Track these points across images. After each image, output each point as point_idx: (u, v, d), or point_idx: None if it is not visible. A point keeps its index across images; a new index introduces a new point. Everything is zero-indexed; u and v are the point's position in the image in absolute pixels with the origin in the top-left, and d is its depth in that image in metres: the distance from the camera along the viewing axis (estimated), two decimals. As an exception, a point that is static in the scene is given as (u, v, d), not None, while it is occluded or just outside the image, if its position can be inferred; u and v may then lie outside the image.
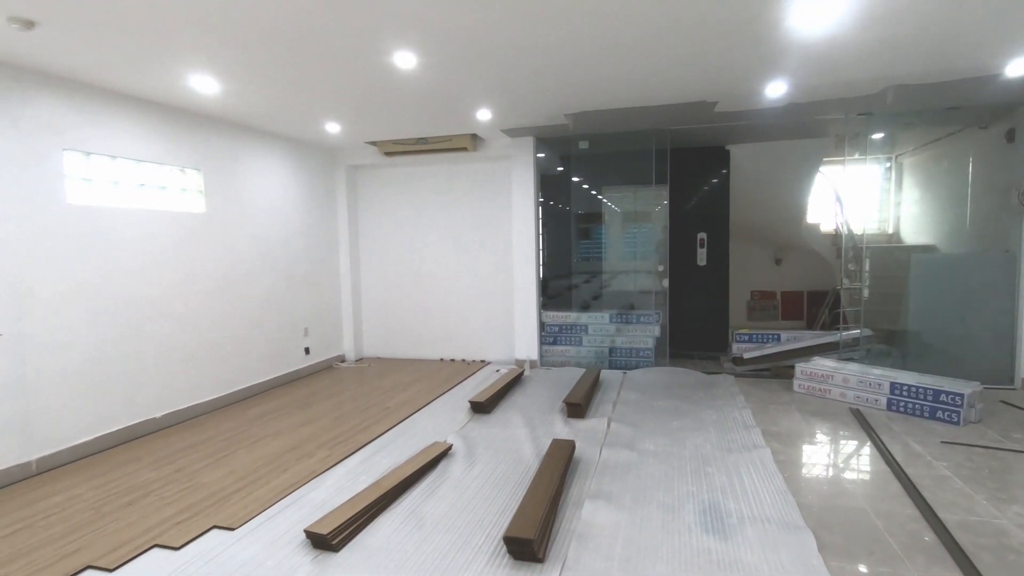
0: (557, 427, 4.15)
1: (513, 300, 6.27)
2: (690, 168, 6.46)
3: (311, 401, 5.09)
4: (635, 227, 6.93)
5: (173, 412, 4.47)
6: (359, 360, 6.89)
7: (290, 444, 3.95)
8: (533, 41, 3.20)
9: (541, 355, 6.21)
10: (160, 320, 4.38)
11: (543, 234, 6.31)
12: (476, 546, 2.56)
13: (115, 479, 3.42)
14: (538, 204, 6.09)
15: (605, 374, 5.73)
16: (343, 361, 6.79)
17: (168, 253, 4.46)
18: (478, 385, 5.42)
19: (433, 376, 5.92)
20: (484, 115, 4.94)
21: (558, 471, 3.10)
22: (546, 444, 3.73)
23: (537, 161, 6.03)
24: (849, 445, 3.75)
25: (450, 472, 3.38)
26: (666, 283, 6.05)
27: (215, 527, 2.78)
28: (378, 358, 6.96)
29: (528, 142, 5.91)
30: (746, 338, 5.86)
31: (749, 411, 4.36)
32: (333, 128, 5.36)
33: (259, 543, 2.62)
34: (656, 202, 6.27)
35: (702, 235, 6.59)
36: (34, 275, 3.53)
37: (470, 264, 6.63)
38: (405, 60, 3.44)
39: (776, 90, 4.24)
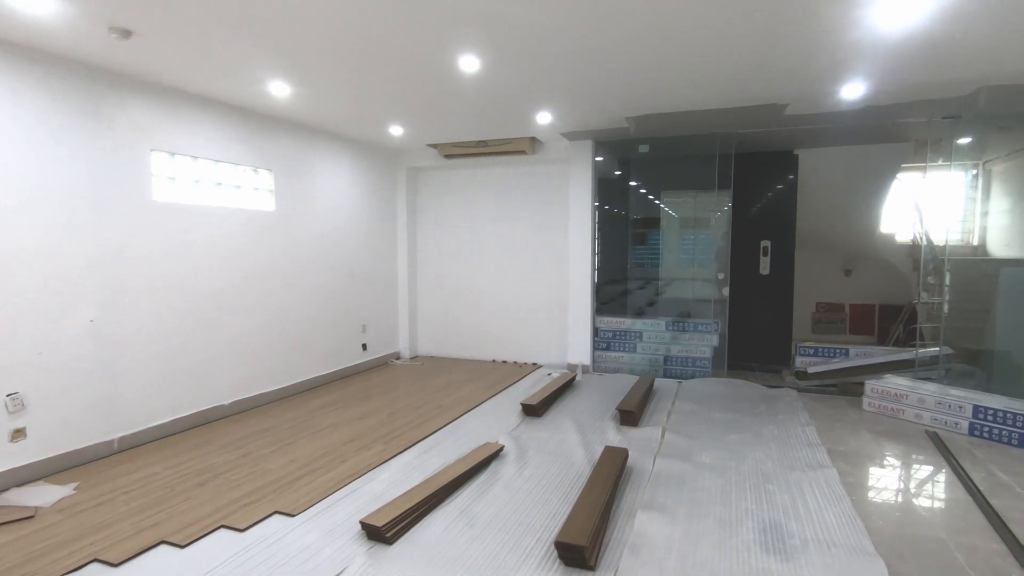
0: (609, 434, 4.09)
1: (567, 304, 6.24)
2: (754, 173, 6.24)
3: (368, 396, 5.23)
4: (694, 233, 6.76)
5: (240, 400, 4.70)
6: (414, 358, 7.03)
7: (348, 436, 4.07)
8: (597, 43, 3.18)
9: (594, 360, 6.15)
10: (231, 312, 4.62)
11: (598, 238, 6.25)
12: (527, 549, 2.56)
13: (187, 461, 3.62)
14: (595, 208, 6.04)
15: (659, 382, 5.60)
16: (398, 358, 6.94)
17: (240, 249, 4.69)
18: (530, 388, 5.42)
19: (485, 377, 5.96)
20: (544, 118, 4.94)
21: (610, 479, 3.05)
22: (598, 450, 3.68)
23: (595, 164, 5.98)
24: (925, 470, 3.51)
25: (501, 473, 3.39)
26: (726, 291, 5.86)
27: (277, 512, 2.90)
28: (432, 357, 7.08)
29: (587, 145, 5.87)
30: (811, 351, 5.59)
31: (813, 428, 4.16)
32: (396, 131, 5.50)
33: (317, 531, 2.72)
34: (717, 208, 6.09)
35: (766, 243, 6.35)
36: (123, 266, 3.79)
37: (525, 266, 6.64)
38: (469, 64, 3.49)
39: (853, 92, 4.04)
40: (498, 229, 6.75)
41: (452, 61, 3.46)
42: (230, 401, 4.60)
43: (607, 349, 6.17)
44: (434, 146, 6.30)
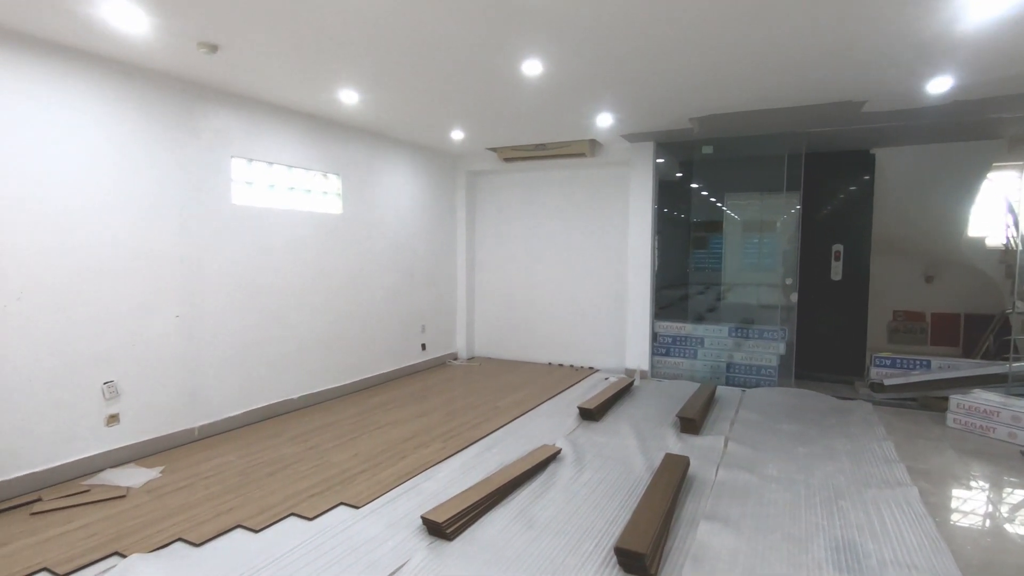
0: (669, 441, 4.00)
1: (625, 308, 6.16)
2: (827, 173, 5.96)
3: (426, 395, 5.34)
4: (759, 236, 6.51)
5: (308, 395, 4.91)
6: (471, 359, 7.12)
7: (408, 433, 4.17)
8: (663, 42, 3.13)
9: (652, 366, 6.03)
10: (300, 310, 4.83)
11: (657, 242, 6.13)
12: (585, 553, 2.54)
13: (259, 451, 3.82)
14: (655, 211, 5.94)
15: (721, 390, 5.43)
16: (456, 359, 7.05)
17: (309, 250, 4.91)
18: (586, 392, 5.38)
19: (542, 379, 5.97)
20: (605, 120, 4.91)
21: (671, 487, 2.99)
22: (657, 457, 3.61)
23: (656, 167, 5.88)
24: (1019, 494, 3.24)
25: (559, 476, 3.38)
26: (794, 297, 5.61)
27: (342, 503, 3.01)
28: (488, 358, 7.15)
29: (648, 147, 5.78)
30: (888, 362, 5.27)
31: (891, 444, 3.92)
32: (457, 135, 5.61)
33: (380, 523, 2.80)
34: (785, 210, 5.85)
35: (838, 247, 6.04)
36: (204, 266, 4.05)
37: (583, 269, 6.61)
38: (532, 68, 3.51)
39: (940, 86, 3.79)
40: (556, 232, 6.74)
41: (515, 66, 3.50)
42: (298, 396, 4.82)
43: (666, 355, 6.04)
44: (493, 150, 6.37)
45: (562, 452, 3.73)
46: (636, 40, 3.09)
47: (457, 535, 2.68)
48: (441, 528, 2.64)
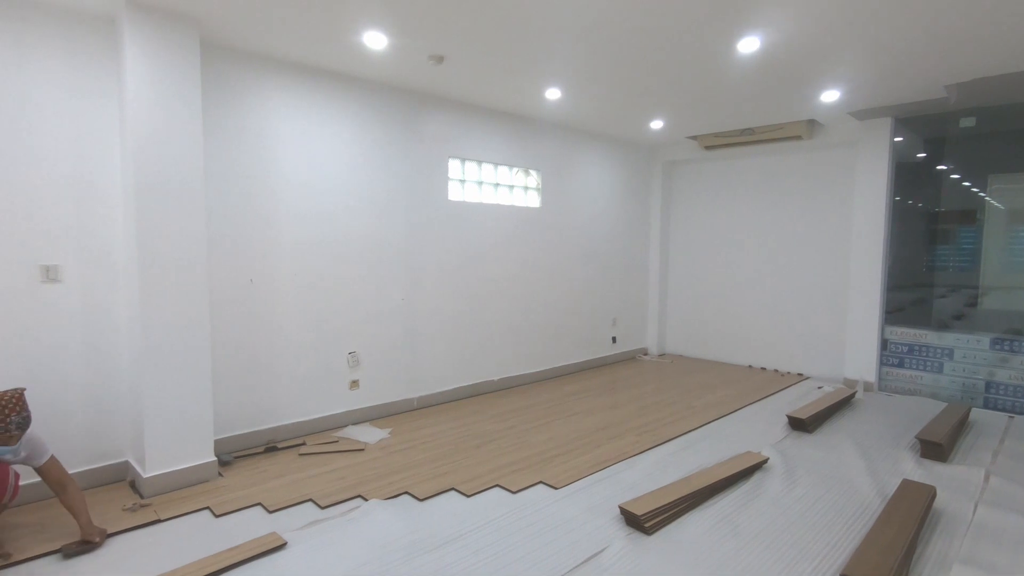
0: (905, 465, 3.43)
1: (845, 310, 5.42)
2: None
3: (616, 388, 5.33)
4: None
5: (506, 378, 5.24)
6: (661, 355, 6.92)
7: (601, 423, 4.21)
8: (919, -2, 2.66)
9: (880, 377, 5.22)
10: (500, 299, 5.17)
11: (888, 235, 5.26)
12: (802, 575, 2.31)
13: (465, 424, 4.19)
14: (891, 199, 5.10)
15: (977, 413, 4.49)
16: (646, 354, 6.92)
17: (511, 242, 5.22)
18: (796, 400, 4.87)
19: (741, 382, 5.55)
20: (830, 96, 4.35)
21: (912, 518, 2.56)
22: (890, 482, 3.13)
23: (893, 147, 5.04)
24: None
25: (766, 486, 3.12)
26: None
27: (541, 482, 3.16)
28: (680, 356, 6.88)
29: (884, 124, 4.98)
30: None
31: None
32: (656, 124, 5.46)
33: (577, 506, 2.87)
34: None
35: None
36: (423, 255, 4.55)
37: (792, 265, 5.97)
38: (748, 44, 3.26)
39: None
40: (760, 223, 6.20)
41: (728, 46, 3.28)
42: (498, 378, 5.17)
43: (899, 366, 5.18)
44: (694, 138, 6.08)
45: (769, 462, 3.43)
46: (882, -1, 2.68)
47: (656, 530, 2.63)
48: (639, 521, 2.62)
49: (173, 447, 3.01)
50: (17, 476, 2.46)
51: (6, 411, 2.28)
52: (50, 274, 2.87)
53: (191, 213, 3.00)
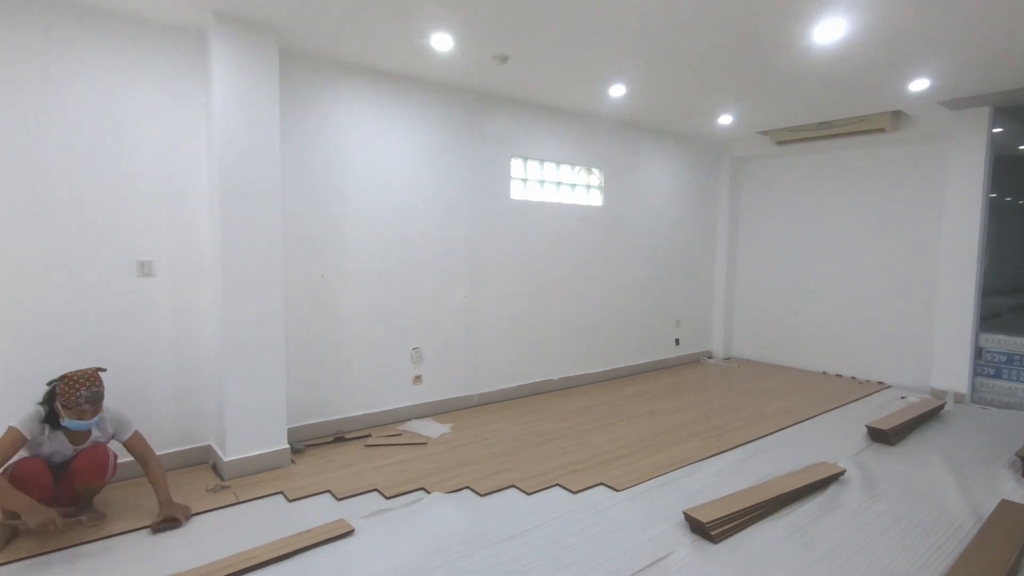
0: (1004, 484, 3.14)
1: (932, 314, 5.04)
2: None
3: (679, 391, 5.19)
4: None
5: (566, 378, 5.21)
6: (727, 359, 6.68)
7: (663, 427, 4.11)
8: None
9: (973, 388, 4.82)
10: (562, 298, 5.15)
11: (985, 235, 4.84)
12: (885, 595, 2.16)
13: (526, 423, 4.19)
14: (987, 195, 4.69)
15: (1089, 432, 4.06)
16: (710, 357, 6.70)
17: (572, 241, 5.19)
18: (876, 410, 4.57)
19: (814, 389, 5.27)
20: (919, 85, 4.06)
21: (1014, 543, 2.34)
22: (986, 502, 2.88)
23: (991, 138, 4.64)
24: None
25: (844, 500, 2.94)
26: None
27: (602, 484, 3.12)
28: (748, 360, 6.61)
29: (981, 114, 4.59)
30: None
31: None
32: (725, 120, 5.27)
33: (639, 510, 2.81)
34: None
35: None
36: (485, 254, 4.60)
37: (873, 266, 5.61)
38: (828, 32, 3.09)
39: None
40: (838, 221, 5.86)
41: (805, 34, 3.12)
42: (558, 377, 5.15)
43: (995, 376, 4.76)
44: (765, 133, 5.82)
45: (846, 474, 3.24)
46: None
47: (723, 539, 2.54)
48: (705, 528, 2.54)
49: (251, 433, 3.19)
50: (115, 456, 2.68)
51: (76, 386, 2.45)
52: (145, 269, 3.10)
53: (269, 213, 3.17)
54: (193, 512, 2.72)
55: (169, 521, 2.59)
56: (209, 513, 2.75)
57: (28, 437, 2.42)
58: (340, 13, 2.95)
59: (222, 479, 3.12)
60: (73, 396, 2.44)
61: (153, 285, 3.14)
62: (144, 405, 3.14)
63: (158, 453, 2.91)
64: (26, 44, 2.72)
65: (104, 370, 2.66)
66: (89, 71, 2.88)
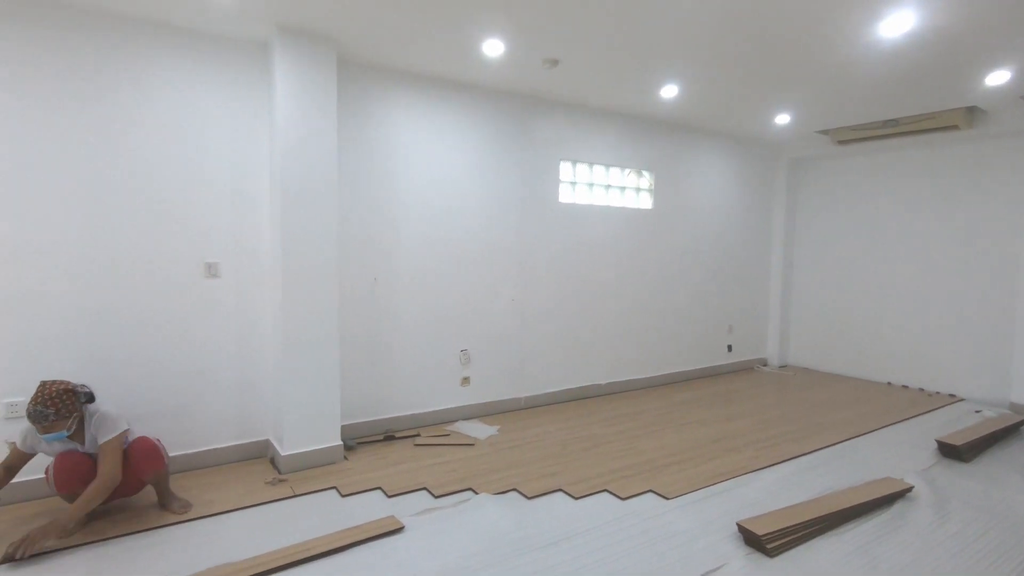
0: (1095, 509, 2.90)
1: (1013, 324, 4.70)
2: None
3: (732, 399, 5.04)
4: None
5: (614, 382, 5.15)
6: (783, 367, 6.44)
7: (715, 435, 4.00)
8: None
9: (1058, 404, 4.47)
10: (611, 301, 5.10)
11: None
12: (958, 621, 2.03)
13: (573, 427, 4.17)
14: (1076, 194, 4.35)
15: None
16: (765, 365, 6.47)
17: (622, 245, 5.13)
18: (946, 424, 4.31)
19: (877, 400, 5.01)
20: (999, 78, 3.80)
21: (1107, 571, 2.15)
22: (1075, 527, 2.66)
23: (1081, 133, 4.30)
24: None
25: (911, 518, 2.78)
26: None
27: (651, 491, 3.06)
28: (805, 368, 6.35)
29: (1067, 108, 4.27)
30: None
31: None
32: (782, 120, 5.10)
33: (690, 519, 2.75)
34: None
35: None
36: (535, 257, 4.60)
37: (944, 271, 5.29)
38: (896, 25, 2.94)
39: None
40: (905, 224, 5.55)
41: (870, 28, 2.98)
42: (606, 382, 5.10)
43: (1084, 392, 4.39)
44: (824, 132, 5.59)
45: (914, 490, 3.06)
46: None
47: (779, 553, 2.45)
48: (760, 541, 2.45)
49: (307, 429, 3.30)
50: (158, 440, 2.73)
51: (31, 400, 2.39)
52: (211, 270, 3.27)
53: (327, 217, 3.28)
54: (252, 503, 2.84)
55: (26, 543, 2.27)
56: (268, 505, 2.87)
57: (21, 447, 2.52)
58: (396, 23, 3.03)
59: (280, 472, 3.24)
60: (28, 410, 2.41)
61: (218, 285, 3.30)
62: (209, 400, 3.30)
63: (221, 446, 3.06)
64: (116, 61, 2.92)
65: (85, 387, 2.58)
66: (163, 84, 3.07)
